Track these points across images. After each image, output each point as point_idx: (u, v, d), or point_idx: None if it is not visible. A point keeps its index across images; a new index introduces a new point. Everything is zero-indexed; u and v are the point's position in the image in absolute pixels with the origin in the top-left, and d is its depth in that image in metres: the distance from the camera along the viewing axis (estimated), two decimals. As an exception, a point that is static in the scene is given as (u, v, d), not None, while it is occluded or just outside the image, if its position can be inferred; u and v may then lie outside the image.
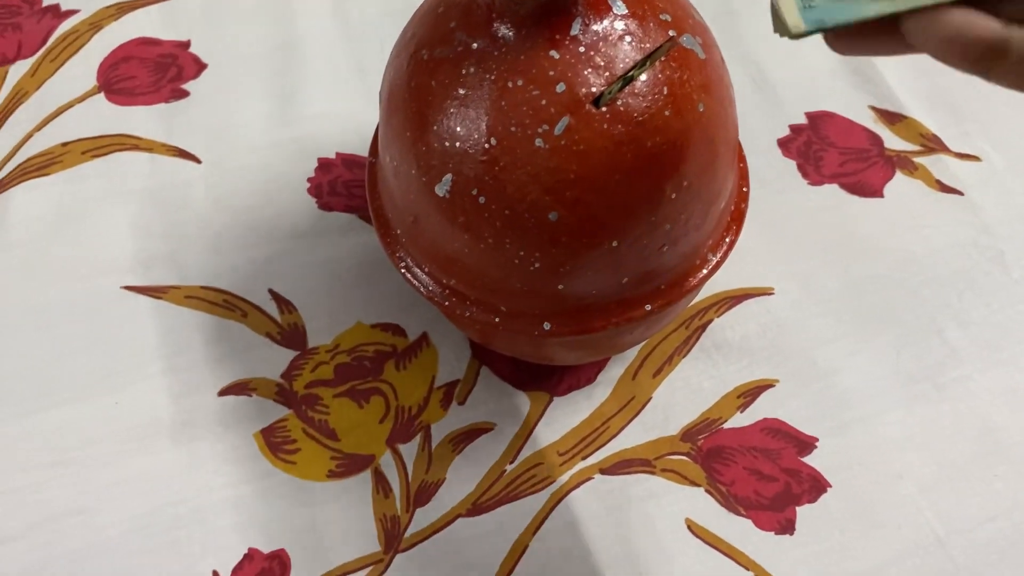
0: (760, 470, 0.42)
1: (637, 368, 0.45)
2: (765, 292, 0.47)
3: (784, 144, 0.53)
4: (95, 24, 0.57)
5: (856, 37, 0.26)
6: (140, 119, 0.53)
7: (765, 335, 0.46)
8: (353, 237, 0.49)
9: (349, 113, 0.53)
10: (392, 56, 0.37)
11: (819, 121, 0.54)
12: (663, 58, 0.33)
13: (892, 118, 0.54)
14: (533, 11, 0.32)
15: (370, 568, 0.40)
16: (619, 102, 0.32)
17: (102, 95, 0.54)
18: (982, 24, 0.23)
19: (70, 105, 0.54)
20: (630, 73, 0.32)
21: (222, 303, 0.46)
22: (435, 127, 0.33)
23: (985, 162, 0.52)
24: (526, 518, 0.41)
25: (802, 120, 0.54)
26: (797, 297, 0.47)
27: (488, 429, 0.43)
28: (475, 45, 0.33)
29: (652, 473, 0.42)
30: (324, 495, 0.41)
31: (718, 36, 0.37)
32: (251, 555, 0.40)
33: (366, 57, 0.56)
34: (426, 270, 0.38)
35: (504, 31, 0.32)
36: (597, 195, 0.32)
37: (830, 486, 0.42)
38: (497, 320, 0.37)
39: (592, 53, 0.32)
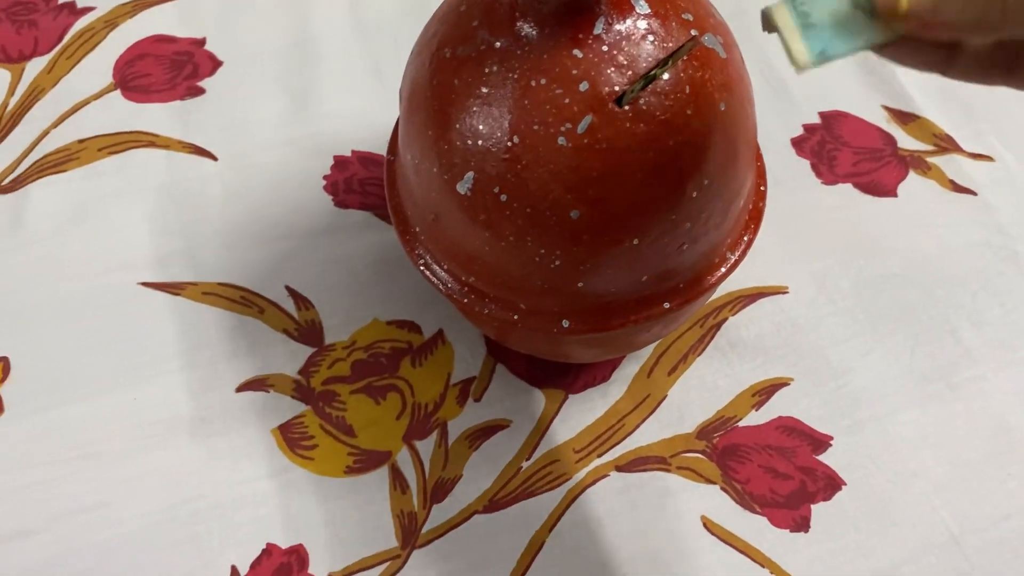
0: (775, 468, 0.42)
1: (652, 366, 0.45)
2: (779, 291, 0.48)
3: (798, 144, 0.53)
4: (111, 21, 0.58)
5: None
6: (156, 116, 0.53)
7: (779, 334, 0.46)
8: (369, 234, 0.49)
9: (365, 111, 0.53)
10: (413, 54, 0.37)
11: (833, 121, 0.54)
12: (685, 57, 0.33)
13: (905, 118, 0.54)
14: (556, 10, 0.32)
15: (387, 564, 0.40)
16: (641, 101, 0.32)
17: (118, 92, 0.54)
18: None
19: (86, 102, 0.54)
20: (652, 72, 0.32)
21: (239, 299, 0.47)
22: (457, 125, 0.34)
23: (998, 162, 0.52)
24: (542, 515, 0.41)
25: (816, 120, 0.54)
26: (811, 296, 0.47)
27: (504, 426, 0.43)
28: (498, 44, 0.33)
29: (668, 471, 0.42)
30: (341, 491, 0.42)
31: (732, 35, 0.38)
32: (269, 550, 0.40)
33: (382, 55, 0.56)
34: (445, 268, 0.38)
35: (527, 30, 0.33)
36: (619, 193, 0.33)
37: (845, 484, 0.42)
38: (516, 318, 0.37)
39: (615, 52, 0.32)
